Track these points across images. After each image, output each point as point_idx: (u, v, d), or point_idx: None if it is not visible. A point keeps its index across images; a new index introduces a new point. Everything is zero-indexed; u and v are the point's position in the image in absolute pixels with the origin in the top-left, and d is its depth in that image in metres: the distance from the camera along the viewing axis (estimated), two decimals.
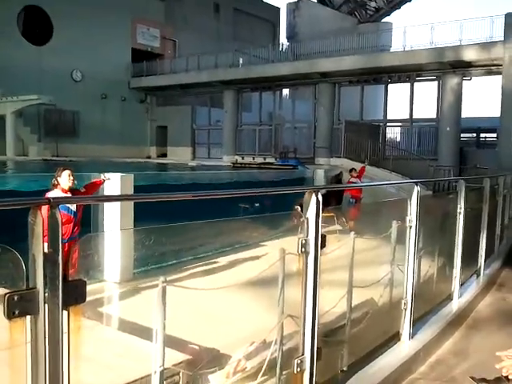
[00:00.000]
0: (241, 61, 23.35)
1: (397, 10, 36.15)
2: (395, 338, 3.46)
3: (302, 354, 2.29)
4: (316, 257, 2.31)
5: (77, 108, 24.06)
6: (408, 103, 20.01)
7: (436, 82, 19.07)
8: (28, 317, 1.32)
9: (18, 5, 22.48)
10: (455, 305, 4.52)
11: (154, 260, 4.35)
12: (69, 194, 4.46)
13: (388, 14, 35.70)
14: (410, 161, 17.93)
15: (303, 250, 2.29)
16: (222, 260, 4.87)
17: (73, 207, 4.36)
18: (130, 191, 5.37)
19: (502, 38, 16.35)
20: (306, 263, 2.31)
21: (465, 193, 4.67)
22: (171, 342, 2.24)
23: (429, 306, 4.17)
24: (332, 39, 20.89)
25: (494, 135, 20.65)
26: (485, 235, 5.73)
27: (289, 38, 30.82)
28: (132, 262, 4.86)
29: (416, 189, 3.48)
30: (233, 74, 22.94)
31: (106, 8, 24.71)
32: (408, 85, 19.96)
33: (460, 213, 4.66)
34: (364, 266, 3.49)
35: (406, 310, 3.48)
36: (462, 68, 17.53)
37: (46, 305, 1.33)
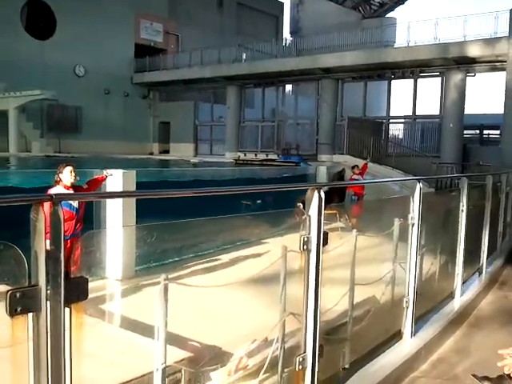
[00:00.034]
0: (244, 56, 23.27)
1: (401, 6, 35.95)
2: (397, 336, 3.46)
3: (304, 352, 2.29)
4: (318, 254, 2.31)
5: (79, 103, 24.06)
6: (411, 99, 19.93)
7: (439, 78, 18.97)
8: (30, 314, 1.32)
9: None
10: (457, 303, 4.51)
11: (155, 257, 4.35)
12: (71, 191, 4.47)
13: (392, 9, 35.49)
14: (412, 158, 17.88)
15: (305, 247, 2.28)
16: (224, 257, 4.87)
17: (75, 204, 4.37)
18: (132, 188, 5.37)
19: (507, 34, 16.23)
20: (308, 261, 2.30)
21: (467, 190, 4.65)
22: (173, 339, 2.24)
23: (431, 303, 4.17)
24: (335, 34, 20.78)
25: (498, 132, 20.56)
26: (487, 233, 5.72)
27: (292, 32, 30.70)
28: (134, 259, 4.87)
29: (418, 186, 3.47)
30: (236, 69, 22.87)
31: (109, 3, 24.67)
32: (411, 81, 19.87)
33: (462, 210, 4.65)
34: (366, 264, 3.48)
35: (407, 308, 3.48)
36: (466, 64, 17.43)
37: (48, 302, 1.33)
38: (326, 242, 2.37)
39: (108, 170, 5.07)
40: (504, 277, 6.13)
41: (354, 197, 10.01)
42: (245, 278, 2.70)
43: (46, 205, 1.34)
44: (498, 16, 16.97)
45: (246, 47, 23.70)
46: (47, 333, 1.32)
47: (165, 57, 26.60)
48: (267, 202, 8.25)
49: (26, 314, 1.31)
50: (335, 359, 2.84)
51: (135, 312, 3.15)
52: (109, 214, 5.18)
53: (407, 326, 3.49)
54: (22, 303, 1.29)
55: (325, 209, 2.32)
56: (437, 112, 19.31)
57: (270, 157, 21.05)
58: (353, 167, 10.71)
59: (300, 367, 2.27)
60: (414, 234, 3.47)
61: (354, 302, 3.00)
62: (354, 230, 3.08)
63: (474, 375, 1.99)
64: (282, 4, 34.62)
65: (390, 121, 20.82)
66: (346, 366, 2.91)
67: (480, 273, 5.56)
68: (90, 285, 1.43)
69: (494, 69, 17.74)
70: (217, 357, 2.56)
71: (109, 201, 5.08)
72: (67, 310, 1.37)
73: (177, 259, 4.74)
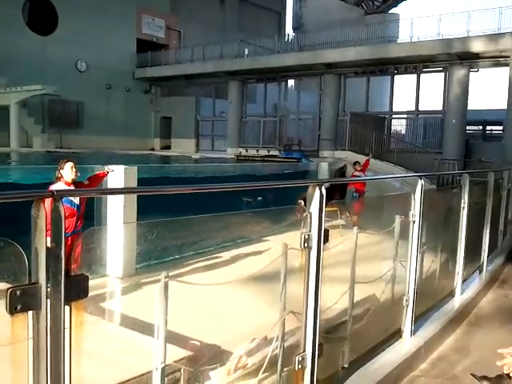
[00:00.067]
0: (246, 51, 23.18)
1: (404, 1, 35.73)
2: (397, 334, 3.46)
3: (304, 351, 2.29)
4: (319, 252, 2.30)
5: (81, 99, 24.02)
6: (414, 95, 19.84)
7: (443, 74, 18.88)
8: (30, 312, 1.32)
9: None
10: (457, 301, 4.51)
11: (156, 255, 4.35)
12: (72, 187, 4.46)
13: (395, 4, 35.26)
14: (414, 154, 17.83)
15: (306, 245, 2.28)
16: (225, 255, 4.87)
17: (76, 200, 4.37)
18: (134, 184, 5.36)
19: (511, 30, 16.14)
20: (309, 258, 2.30)
21: (469, 187, 4.63)
22: (173, 337, 2.24)
23: (431, 302, 4.16)
24: (338, 30, 20.68)
25: (501, 128, 20.47)
26: (488, 230, 5.70)
27: (295, 28, 30.53)
28: (134, 256, 4.86)
29: (420, 182, 3.46)
30: (238, 64, 22.79)
31: None
32: (414, 76, 19.77)
33: (464, 207, 4.63)
34: (366, 262, 3.48)
35: (407, 306, 3.47)
36: (470, 59, 17.33)
37: (49, 300, 1.34)
38: (326, 240, 2.36)
39: (109, 166, 5.06)
40: (504, 275, 6.12)
41: (355, 193, 9.98)
42: (245, 275, 2.70)
43: (47, 201, 1.34)
44: (502, 11, 16.87)
45: (248, 43, 23.60)
46: (47, 331, 1.32)
47: (167, 52, 26.53)
48: (268, 198, 8.24)
49: (26, 312, 1.31)
50: (335, 358, 2.84)
51: (135, 310, 3.15)
52: (110, 210, 5.18)
53: (407, 324, 3.48)
54: (22, 301, 1.29)
55: (326, 206, 2.31)
56: (440, 107, 19.23)
57: (271, 153, 21.02)
58: (354, 163, 10.67)
59: (299, 366, 2.27)
60: (414, 231, 3.46)
61: (354, 301, 2.99)
62: (355, 228, 3.07)
63: (472, 374, 2.00)
64: (285, 0, 34.43)
65: (393, 116, 20.75)
66: (346, 365, 2.91)
67: (480, 271, 5.55)
68: (91, 283, 1.43)
69: (498, 64, 17.64)
70: (216, 356, 2.56)
71: (110, 197, 5.07)
72: (67, 307, 1.37)
73: (177, 257, 4.74)
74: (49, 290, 1.34)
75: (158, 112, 27.35)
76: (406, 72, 19.94)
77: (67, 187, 4.41)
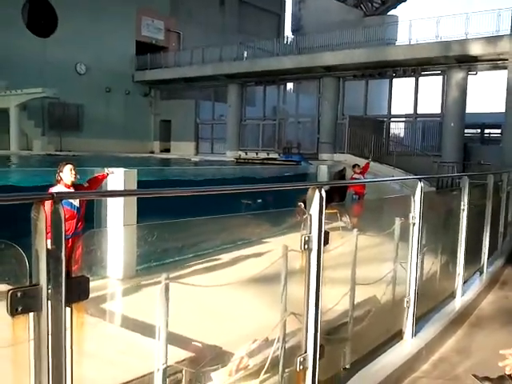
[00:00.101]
0: (245, 54, 23.24)
1: (403, 3, 35.85)
2: (398, 336, 3.46)
3: (305, 352, 2.29)
4: (319, 254, 2.31)
5: (81, 101, 24.04)
6: (412, 98, 19.89)
7: (441, 77, 18.93)
8: (31, 313, 1.32)
9: None
10: (458, 303, 4.51)
11: (156, 257, 4.35)
12: (72, 190, 4.46)
13: (394, 6, 35.41)
14: (413, 156, 17.86)
15: (306, 246, 2.28)
16: (225, 257, 4.87)
17: (76, 203, 4.37)
18: (134, 186, 5.37)
19: (509, 32, 16.19)
20: (309, 260, 2.30)
21: (468, 189, 4.64)
22: (174, 339, 2.24)
23: (432, 303, 4.16)
24: (337, 32, 20.74)
25: (499, 131, 20.52)
26: (488, 232, 5.71)
27: (294, 30, 30.62)
28: (135, 258, 4.87)
29: (419, 185, 3.47)
30: (237, 67, 22.85)
31: (110, 0, 24.64)
32: (413, 79, 19.82)
33: (463, 209, 4.64)
34: (367, 264, 3.48)
35: (408, 307, 3.47)
36: (468, 62, 17.38)
37: (49, 301, 1.33)
38: (326, 242, 2.37)
39: (109, 168, 5.07)
40: (505, 276, 6.12)
41: (355, 196, 10.00)
42: (246, 277, 2.70)
43: (47, 204, 1.34)
44: (501, 14, 16.92)
45: (247, 45, 23.67)
46: (48, 332, 1.32)
47: (166, 55, 26.57)
48: (268, 201, 8.24)
49: (26, 314, 1.31)
50: (336, 359, 2.84)
51: (136, 312, 3.15)
52: (110, 212, 5.18)
53: (408, 325, 3.48)
54: (23, 303, 1.29)
55: (326, 208, 2.32)
56: (438, 111, 19.27)
57: (270, 155, 21.03)
58: (353, 166, 10.69)
59: (301, 367, 2.27)
60: (414, 233, 3.46)
61: (355, 302, 2.99)
62: (355, 230, 3.07)
63: (474, 375, 1.99)
64: (284, 2, 34.56)
65: (391, 119, 20.79)
66: (347, 366, 2.90)
67: (481, 273, 5.55)
68: (91, 284, 1.43)
69: (496, 67, 17.69)
70: (218, 357, 2.56)
71: (110, 199, 5.07)
72: (68, 309, 1.37)
73: (177, 259, 4.74)
74: (49, 291, 1.34)
75: (157, 115, 27.38)
76: (404, 75, 20.00)
77: (67, 190, 4.41)
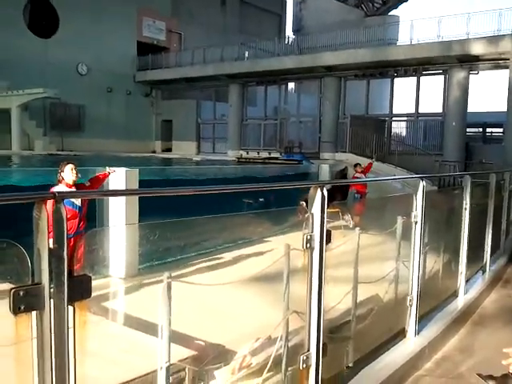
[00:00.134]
0: (246, 54, 23.24)
1: (404, 3, 35.80)
2: (401, 334, 3.46)
3: (308, 350, 2.29)
4: (321, 252, 2.30)
5: (82, 102, 24.07)
6: (414, 97, 19.86)
7: (442, 76, 18.90)
8: (33, 312, 1.32)
9: None
10: (461, 301, 4.50)
11: (158, 256, 4.35)
12: (73, 189, 4.46)
13: (395, 6, 35.37)
14: (415, 156, 17.84)
15: (308, 245, 2.28)
16: (227, 256, 4.87)
17: (78, 202, 4.37)
18: (135, 186, 5.37)
19: (510, 32, 16.16)
20: (311, 259, 2.30)
21: (470, 188, 4.63)
22: (177, 337, 2.24)
23: (434, 302, 4.16)
24: (338, 32, 20.72)
25: (501, 130, 20.48)
26: (490, 231, 5.70)
27: (295, 30, 30.61)
28: (137, 257, 4.87)
29: (421, 184, 3.46)
30: (238, 67, 22.85)
31: (111, 0, 24.65)
32: (414, 79, 19.79)
33: (466, 208, 4.64)
34: (369, 262, 3.48)
35: (411, 306, 3.47)
36: (469, 62, 17.35)
37: (52, 300, 1.34)
38: (329, 240, 2.37)
39: (111, 167, 5.07)
40: (508, 275, 6.11)
41: (357, 195, 10.00)
42: (248, 276, 2.70)
43: (49, 203, 1.34)
44: (502, 13, 16.88)
45: (248, 45, 23.67)
46: (51, 331, 1.32)
47: (167, 55, 26.59)
48: (269, 200, 8.24)
49: (29, 312, 1.31)
50: (339, 358, 2.83)
51: (139, 310, 3.15)
52: (111, 212, 5.19)
53: (411, 324, 3.48)
54: (26, 301, 1.29)
55: (327, 207, 2.32)
56: (440, 110, 19.24)
57: (272, 155, 21.03)
58: (355, 165, 10.68)
59: (304, 366, 2.27)
60: (417, 232, 3.46)
61: (358, 301, 2.99)
62: (357, 228, 3.07)
63: (478, 374, 1.99)
64: (285, 2, 34.55)
65: (393, 119, 20.76)
66: (350, 365, 2.90)
67: (484, 271, 5.54)
68: (94, 283, 1.43)
69: (498, 66, 17.66)
70: (220, 355, 2.56)
71: (112, 199, 5.08)
72: (71, 308, 1.37)
73: (179, 258, 4.74)
74: (52, 290, 1.33)
75: (158, 115, 27.41)
76: (405, 75, 19.97)
77: (68, 189, 4.41)
